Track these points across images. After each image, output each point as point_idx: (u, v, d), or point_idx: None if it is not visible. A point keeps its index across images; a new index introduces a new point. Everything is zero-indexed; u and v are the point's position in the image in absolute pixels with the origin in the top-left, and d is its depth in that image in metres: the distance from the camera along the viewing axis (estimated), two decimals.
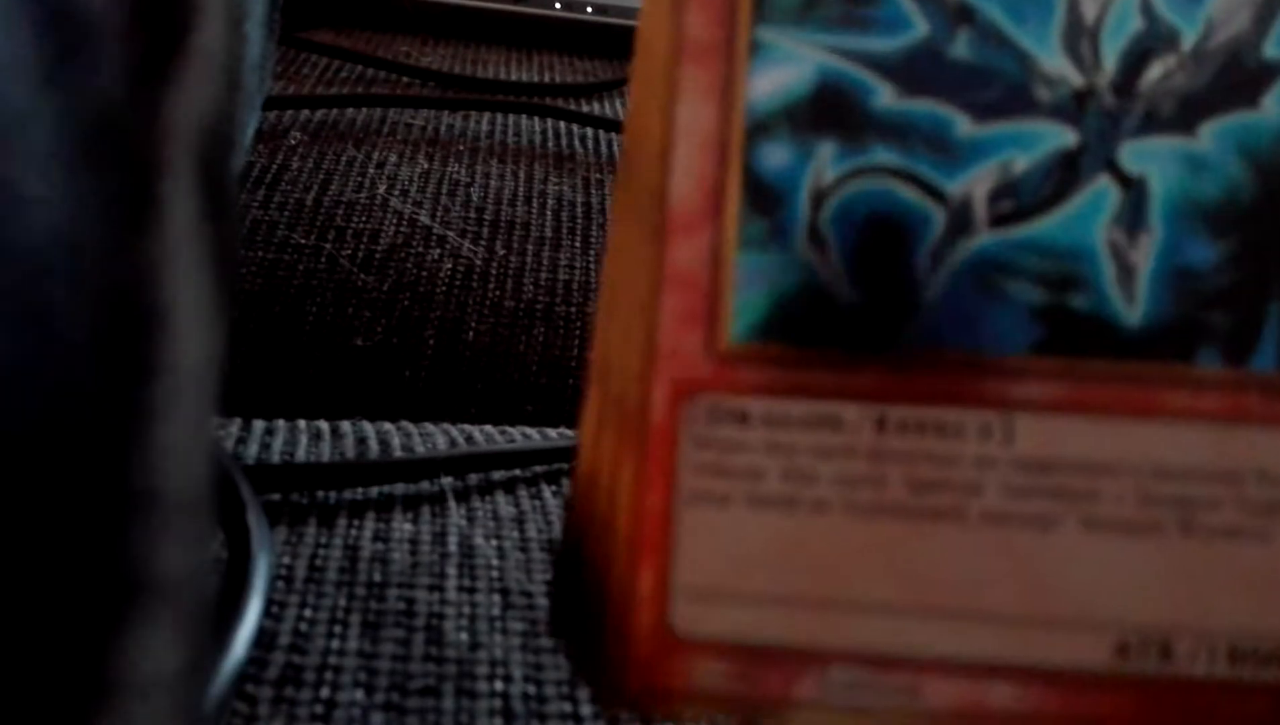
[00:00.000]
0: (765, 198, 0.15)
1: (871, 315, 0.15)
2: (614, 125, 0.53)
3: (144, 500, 0.10)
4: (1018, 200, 0.15)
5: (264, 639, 0.20)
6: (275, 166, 0.44)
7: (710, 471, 0.15)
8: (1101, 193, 0.15)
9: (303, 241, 0.41)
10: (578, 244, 0.44)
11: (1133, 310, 0.15)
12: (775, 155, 0.15)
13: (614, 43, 0.65)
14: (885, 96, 0.15)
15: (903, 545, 0.15)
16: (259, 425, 0.28)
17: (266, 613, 0.21)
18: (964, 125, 0.15)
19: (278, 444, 0.27)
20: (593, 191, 0.47)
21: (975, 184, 0.15)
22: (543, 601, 0.22)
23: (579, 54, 0.64)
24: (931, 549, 0.15)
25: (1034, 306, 0.15)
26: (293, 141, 0.46)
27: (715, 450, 0.15)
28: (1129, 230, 0.15)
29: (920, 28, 0.15)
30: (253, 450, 0.26)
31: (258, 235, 0.41)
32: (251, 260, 0.40)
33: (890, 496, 0.15)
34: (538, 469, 0.27)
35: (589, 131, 0.53)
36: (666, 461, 0.15)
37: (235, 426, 0.27)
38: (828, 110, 0.15)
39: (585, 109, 0.56)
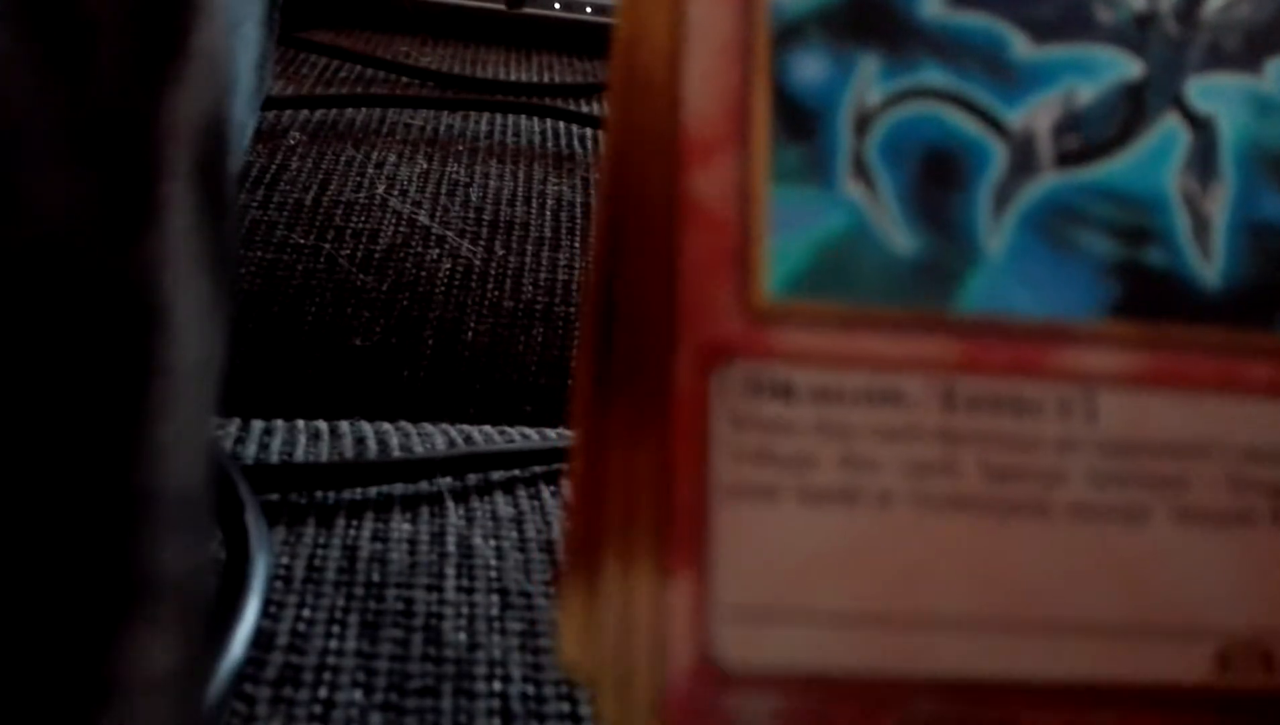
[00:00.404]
0: (799, 118, 0.13)
1: (931, 268, 0.13)
2: None
3: (143, 500, 0.10)
4: (1084, 137, 0.13)
5: (262, 639, 0.20)
6: (274, 166, 0.44)
7: (752, 458, 0.12)
8: (1170, 133, 0.13)
9: (302, 241, 0.41)
10: (577, 244, 0.44)
11: (1210, 269, 0.13)
12: (809, 67, 0.13)
13: None
14: (933, 5, 0.13)
15: (982, 546, 0.12)
16: (257, 425, 0.28)
17: (265, 613, 0.21)
18: (1021, 45, 0.13)
19: (276, 444, 0.27)
20: (592, 192, 0.47)
21: (1037, 115, 0.13)
22: (541, 602, 0.22)
23: (579, 54, 0.64)
24: (1014, 549, 0.13)
25: (1107, 262, 0.13)
26: (292, 141, 0.46)
27: (756, 431, 0.12)
28: (1201, 178, 0.13)
29: None
30: (251, 450, 0.26)
31: (257, 235, 0.41)
32: (251, 260, 0.40)
33: (964, 487, 0.12)
34: (536, 469, 0.27)
35: (589, 131, 0.53)
36: (696, 446, 0.12)
37: (234, 426, 0.27)
38: (868, 16, 0.13)
39: (585, 109, 0.56)
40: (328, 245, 0.41)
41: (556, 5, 0.64)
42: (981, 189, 0.13)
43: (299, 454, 0.27)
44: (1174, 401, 0.13)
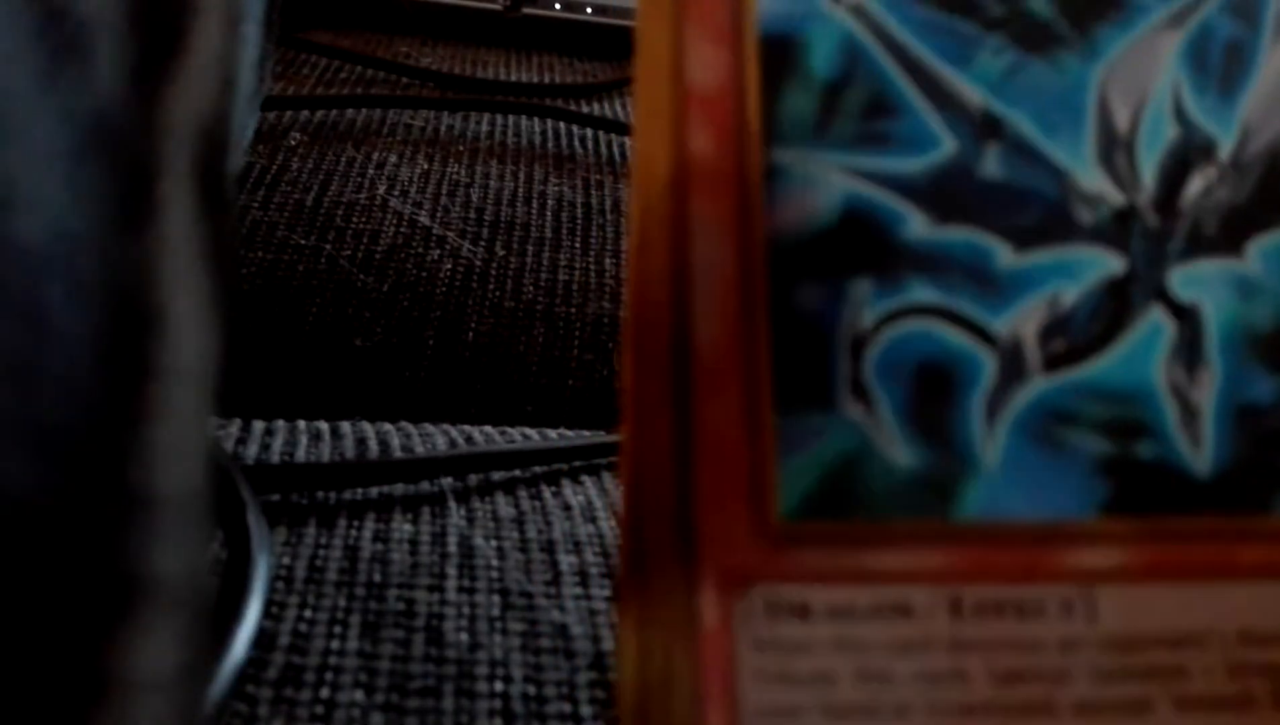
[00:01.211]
0: (799, 346, 0.13)
1: (931, 480, 0.13)
2: (614, 126, 0.53)
3: (141, 500, 0.10)
4: (1070, 338, 0.14)
5: (264, 639, 0.20)
6: (275, 167, 0.44)
7: (775, 680, 0.13)
8: (1156, 326, 0.14)
9: (302, 242, 0.41)
10: (577, 245, 0.44)
11: (1200, 456, 0.14)
12: (805, 297, 0.13)
13: (614, 43, 0.65)
14: (917, 224, 0.14)
15: None
16: (259, 425, 0.28)
17: (266, 613, 0.21)
18: (1004, 254, 0.14)
19: (277, 444, 0.27)
20: (592, 192, 0.47)
21: (1024, 321, 0.14)
22: (542, 602, 0.22)
23: (579, 54, 0.64)
24: None
25: (1099, 459, 0.14)
26: (292, 142, 0.46)
27: (778, 653, 0.13)
28: (1188, 367, 0.14)
29: (946, 144, 0.14)
30: (252, 450, 0.26)
31: (257, 236, 0.41)
32: (251, 261, 0.40)
33: (974, 693, 0.13)
34: (537, 469, 0.27)
35: (589, 132, 0.53)
36: (725, 671, 0.13)
37: (235, 427, 0.27)
38: (857, 243, 0.14)
39: (585, 109, 0.56)
40: (328, 246, 0.41)
41: (556, 5, 0.64)
42: (974, 399, 0.14)
43: (300, 454, 0.27)
44: (1169, 592, 0.13)
